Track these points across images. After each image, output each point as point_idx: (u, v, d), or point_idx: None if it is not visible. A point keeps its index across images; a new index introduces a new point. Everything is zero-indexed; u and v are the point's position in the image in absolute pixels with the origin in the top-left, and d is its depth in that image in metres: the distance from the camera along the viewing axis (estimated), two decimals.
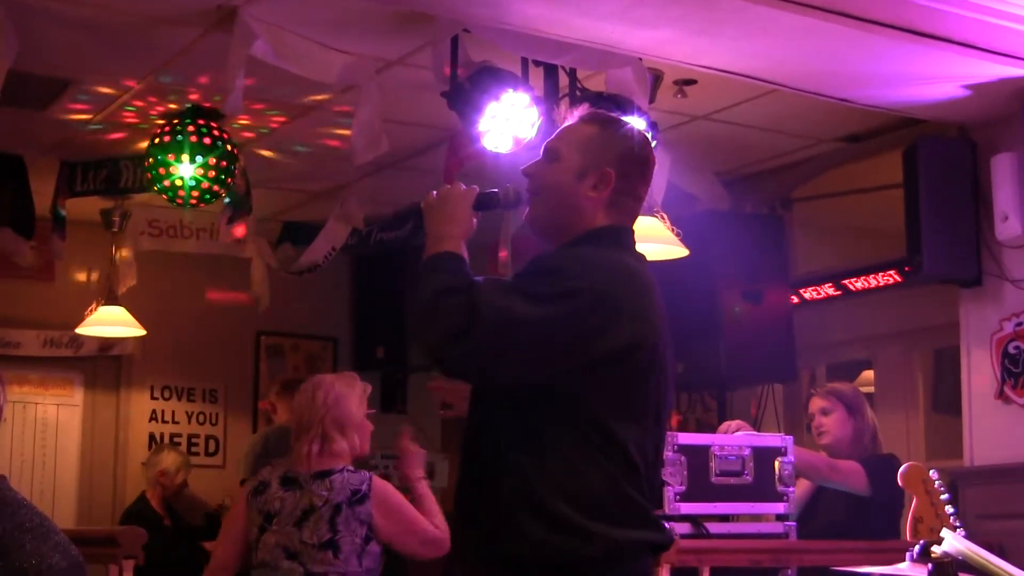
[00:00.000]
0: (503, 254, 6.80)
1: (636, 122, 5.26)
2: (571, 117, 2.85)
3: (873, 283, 7.17)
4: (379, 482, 4.22)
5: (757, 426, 6.68)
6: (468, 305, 2.50)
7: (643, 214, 5.47)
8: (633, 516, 2.60)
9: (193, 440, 8.57)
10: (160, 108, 6.26)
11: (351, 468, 4.23)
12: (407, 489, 4.42)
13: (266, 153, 6.95)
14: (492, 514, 2.58)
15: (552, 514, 2.53)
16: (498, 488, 2.57)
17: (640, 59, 5.31)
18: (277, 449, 6.38)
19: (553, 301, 2.55)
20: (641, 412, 2.65)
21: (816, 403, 5.20)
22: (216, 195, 6.30)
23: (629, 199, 2.82)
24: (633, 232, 2.88)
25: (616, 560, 2.56)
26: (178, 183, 6.15)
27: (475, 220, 2.77)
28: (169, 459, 7.67)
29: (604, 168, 2.76)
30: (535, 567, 2.55)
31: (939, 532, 2.54)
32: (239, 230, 6.94)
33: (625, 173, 2.80)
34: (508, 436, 2.59)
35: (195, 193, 6.18)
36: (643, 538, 2.62)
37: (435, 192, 2.77)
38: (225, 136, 6.21)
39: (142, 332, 7.59)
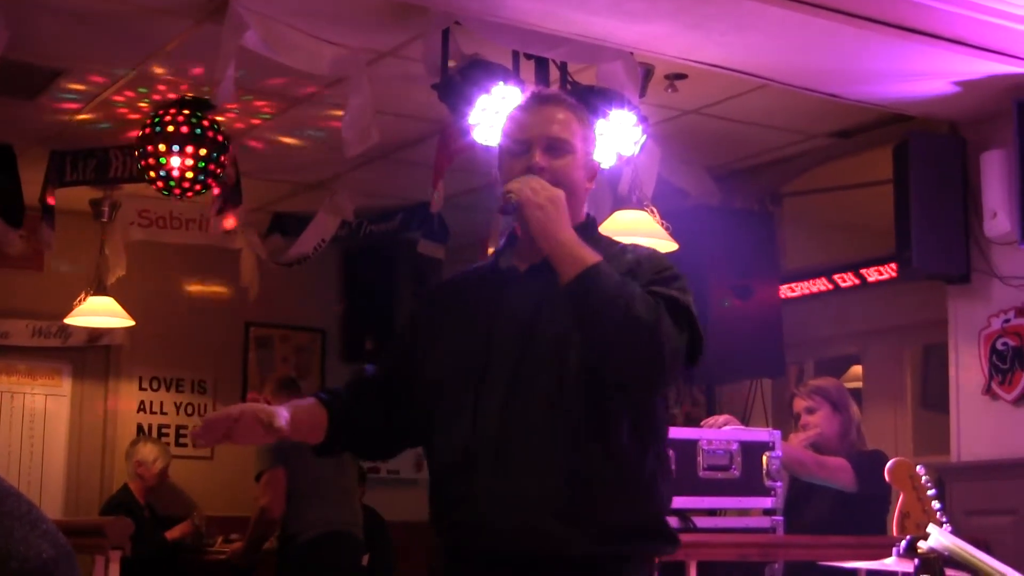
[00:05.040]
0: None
1: (626, 116, 5.33)
2: (537, 99, 2.76)
3: (862, 279, 7.19)
4: None
5: (745, 421, 6.69)
6: (689, 325, 2.54)
7: (633, 207, 5.56)
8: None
9: (181, 431, 8.54)
10: (151, 98, 6.25)
11: None
12: None
13: (257, 143, 6.94)
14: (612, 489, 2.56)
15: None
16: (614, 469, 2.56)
17: (631, 53, 5.31)
18: (290, 443, 6.36)
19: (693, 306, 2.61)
20: None
21: (800, 403, 5.17)
22: (206, 185, 6.30)
23: None
24: None
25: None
26: (168, 173, 6.14)
27: None
28: (145, 450, 7.67)
29: (593, 159, 2.76)
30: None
31: (926, 528, 2.54)
32: (229, 221, 6.92)
33: None
34: (618, 421, 2.57)
35: (185, 183, 6.17)
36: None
37: (528, 191, 2.57)
38: (216, 126, 6.20)
39: (131, 322, 7.58)
